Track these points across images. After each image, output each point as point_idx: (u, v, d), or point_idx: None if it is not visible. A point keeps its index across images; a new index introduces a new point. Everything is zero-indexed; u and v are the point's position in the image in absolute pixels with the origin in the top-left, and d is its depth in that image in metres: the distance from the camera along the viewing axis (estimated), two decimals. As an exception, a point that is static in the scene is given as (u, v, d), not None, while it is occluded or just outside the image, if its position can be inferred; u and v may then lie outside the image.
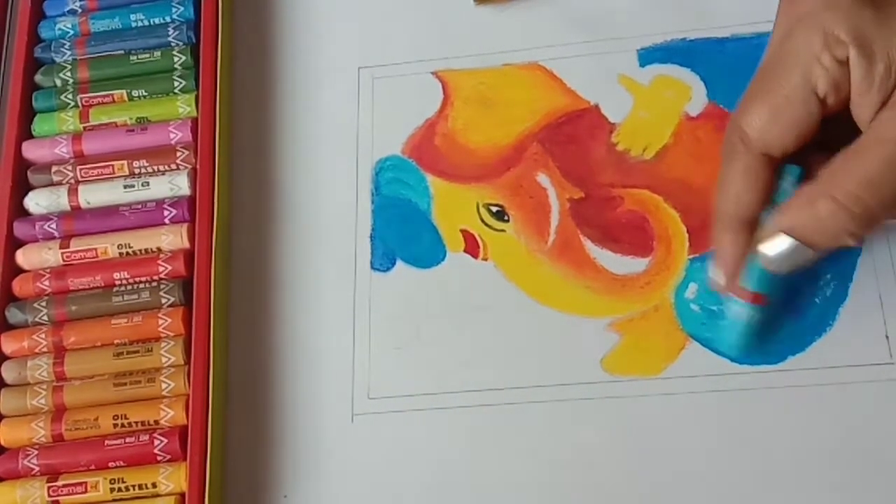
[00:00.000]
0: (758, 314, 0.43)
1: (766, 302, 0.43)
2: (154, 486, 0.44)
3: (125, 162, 0.50)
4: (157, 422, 0.45)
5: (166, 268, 0.48)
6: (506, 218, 0.49)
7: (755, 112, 0.41)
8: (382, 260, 0.49)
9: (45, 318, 0.48)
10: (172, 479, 0.44)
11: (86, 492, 0.44)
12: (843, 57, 0.39)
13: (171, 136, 0.50)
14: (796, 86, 0.40)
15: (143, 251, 0.48)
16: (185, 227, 0.48)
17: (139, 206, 0.49)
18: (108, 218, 0.49)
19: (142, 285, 0.48)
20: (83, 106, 0.52)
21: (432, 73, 0.52)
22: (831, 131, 0.41)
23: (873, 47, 0.39)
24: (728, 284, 0.43)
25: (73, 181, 0.50)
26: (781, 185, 0.42)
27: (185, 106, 0.51)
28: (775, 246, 0.41)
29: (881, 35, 0.39)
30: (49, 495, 0.44)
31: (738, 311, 0.43)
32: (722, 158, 0.43)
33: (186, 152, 0.50)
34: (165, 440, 0.44)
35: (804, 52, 0.40)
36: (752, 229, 0.42)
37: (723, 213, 0.43)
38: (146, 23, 0.53)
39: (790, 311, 0.45)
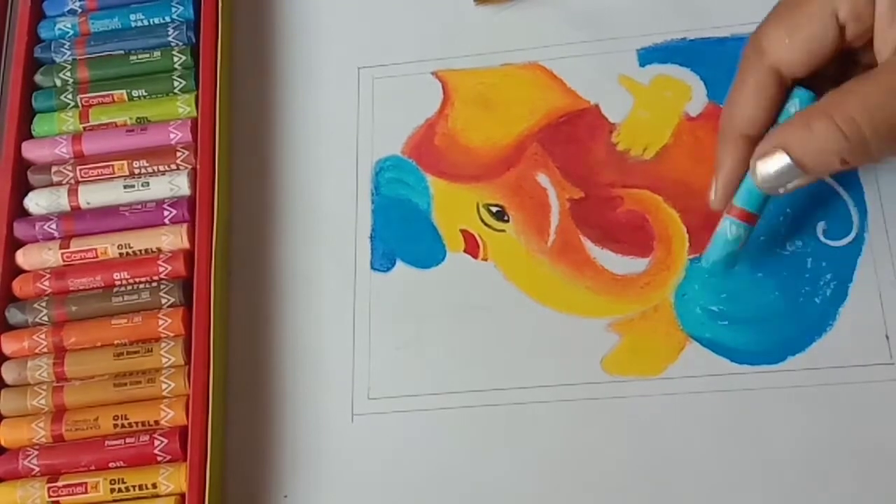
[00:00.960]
0: (743, 232, 0.43)
1: (754, 221, 0.43)
2: (154, 486, 0.44)
3: (125, 162, 0.50)
4: (157, 422, 0.45)
5: (166, 268, 0.48)
6: (506, 218, 0.49)
7: (773, 27, 0.41)
8: (382, 260, 0.49)
9: (46, 318, 0.48)
10: (172, 479, 0.44)
11: (86, 492, 0.44)
12: None
13: (171, 136, 0.50)
14: (819, 8, 0.40)
15: (143, 251, 0.48)
16: (184, 227, 0.48)
17: (139, 207, 0.49)
18: (108, 218, 0.49)
19: (142, 285, 0.48)
20: (83, 106, 0.52)
21: (432, 73, 0.52)
22: (849, 75, 0.41)
23: None
24: (720, 199, 0.43)
25: (73, 181, 0.50)
26: (787, 108, 0.42)
27: (184, 106, 0.51)
28: (768, 163, 0.41)
29: None
30: (49, 496, 0.44)
31: (724, 225, 0.44)
32: (736, 75, 0.43)
33: (186, 152, 0.50)
34: (166, 440, 0.44)
35: None
36: (750, 146, 0.42)
37: (727, 126, 0.43)
38: (146, 23, 0.53)
39: (790, 311, 0.45)
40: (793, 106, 0.42)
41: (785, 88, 0.42)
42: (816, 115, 0.39)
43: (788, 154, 0.40)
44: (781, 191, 0.42)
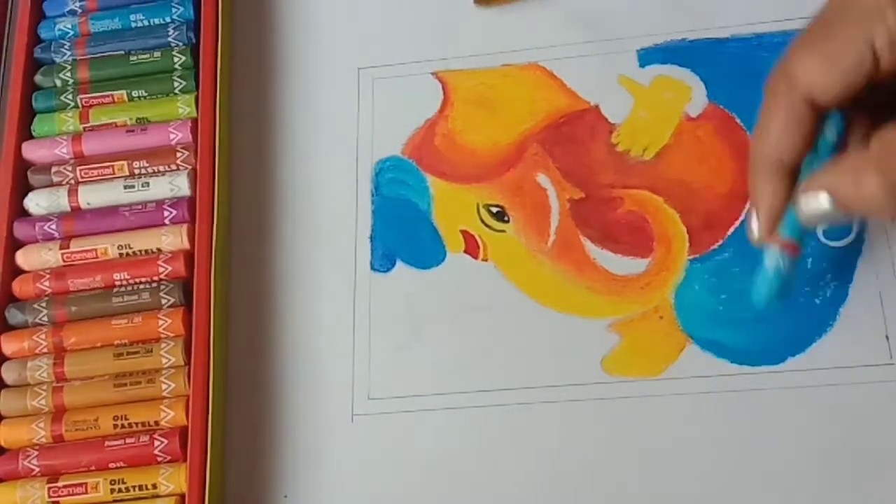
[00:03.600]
0: (790, 263, 0.42)
1: (799, 252, 0.42)
2: (154, 486, 0.44)
3: (125, 162, 0.50)
4: (157, 422, 0.45)
5: (166, 268, 0.48)
6: (506, 218, 0.49)
7: (806, 55, 0.40)
8: (382, 260, 0.49)
9: (45, 318, 0.48)
10: (172, 479, 0.44)
11: (86, 492, 0.44)
12: None
13: (171, 136, 0.50)
14: (854, 36, 0.39)
15: (143, 252, 0.48)
16: (185, 227, 0.48)
17: (139, 207, 0.49)
18: (109, 218, 0.49)
19: (142, 286, 0.48)
20: (83, 106, 0.52)
21: (432, 73, 0.52)
22: (875, 98, 0.40)
23: None
24: (766, 231, 0.42)
25: (73, 182, 0.50)
26: (825, 134, 0.41)
27: (184, 106, 0.51)
28: (814, 203, 0.40)
29: None
30: (49, 496, 0.44)
31: (770, 259, 0.42)
32: (763, 104, 0.42)
33: (186, 153, 0.50)
34: (166, 441, 0.44)
35: (870, 5, 0.39)
36: (791, 177, 0.41)
37: (762, 157, 0.41)
38: (146, 23, 0.53)
39: (790, 311, 0.45)
40: (830, 132, 0.41)
41: (819, 116, 0.41)
42: (867, 173, 0.38)
43: (835, 199, 0.39)
44: (824, 226, 0.41)
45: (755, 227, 0.42)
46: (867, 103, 0.41)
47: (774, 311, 0.45)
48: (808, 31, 0.41)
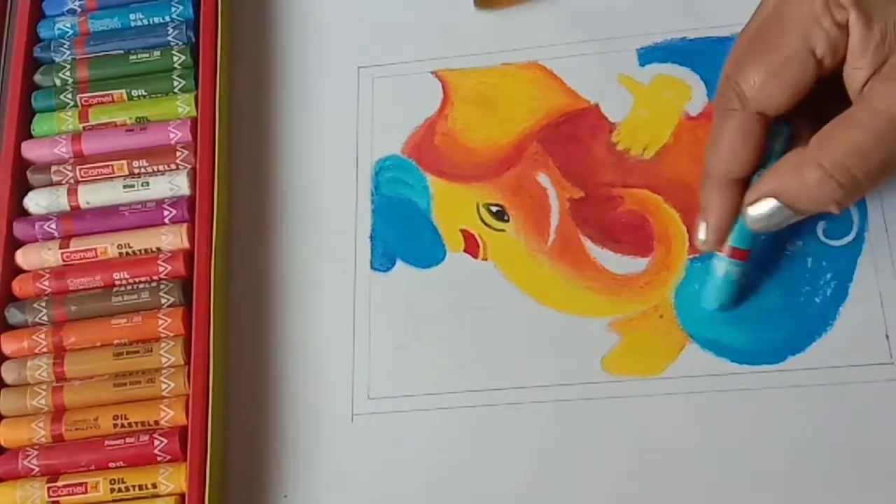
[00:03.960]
0: (740, 270, 0.44)
1: (748, 258, 0.44)
2: (154, 486, 0.44)
3: (125, 162, 0.50)
4: (157, 422, 0.45)
5: (166, 268, 0.48)
6: (506, 218, 0.49)
7: (753, 71, 0.41)
8: (382, 260, 0.49)
9: (45, 318, 0.48)
10: (172, 479, 0.44)
11: (86, 492, 0.44)
12: (843, 20, 0.40)
13: (171, 135, 0.50)
14: (796, 47, 0.41)
15: (142, 251, 0.48)
16: (184, 227, 0.48)
17: (139, 206, 0.49)
18: (108, 218, 0.49)
19: (141, 285, 0.48)
20: (83, 106, 0.52)
21: (432, 72, 0.52)
22: (819, 94, 0.42)
23: (872, 13, 0.39)
24: (712, 242, 0.44)
25: (72, 181, 0.50)
26: (772, 146, 0.43)
27: (184, 106, 0.51)
28: (761, 209, 0.42)
29: (881, 3, 0.40)
30: (49, 496, 0.44)
31: (720, 267, 0.44)
32: (714, 120, 0.43)
33: (186, 152, 0.50)
34: (165, 440, 0.44)
35: (805, 13, 0.40)
36: (741, 188, 0.43)
37: (713, 171, 0.43)
38: (145, 22, 0.53)
39: (790, 310, 0.45)
40: (777, 143, 0.43)
41: (768, 127, 0.42)
42: (807, 165, 0.40)
43: (781, 202, 0.41)
44: (774, 229, 0.43)
45: (702, 235, 0.44)
46: (814, 101, 0.42)
47: (774, 309, 0.45)
48: (749, 44, 0.42)
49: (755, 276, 0.46)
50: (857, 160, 0.39)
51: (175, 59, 0.52)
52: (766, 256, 0.46)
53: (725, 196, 0.43)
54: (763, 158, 0.43)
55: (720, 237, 0.44)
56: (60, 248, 0.49)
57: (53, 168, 0.50)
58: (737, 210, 0.43)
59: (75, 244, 0.49)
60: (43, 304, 0.48)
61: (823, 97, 0.42)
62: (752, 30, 0.43)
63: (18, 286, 0.48)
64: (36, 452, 0.45)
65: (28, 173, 0.50)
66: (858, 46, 0.40)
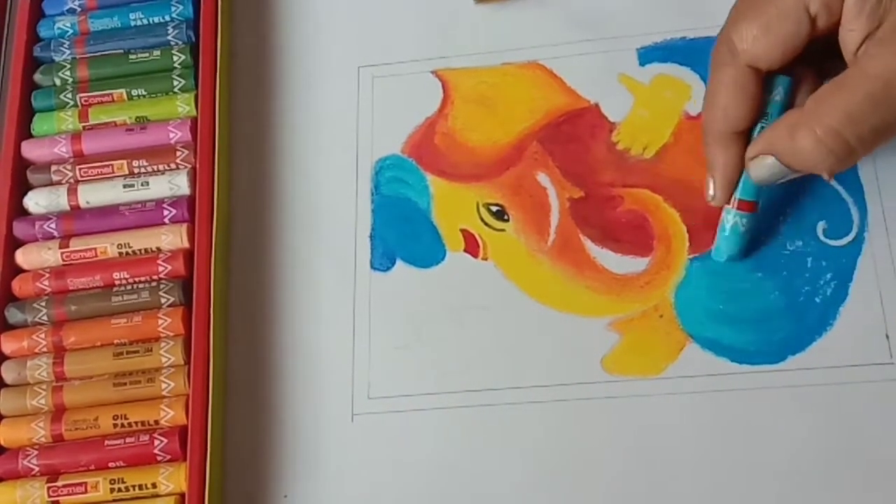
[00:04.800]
0: (748, 221, 0.44)
1: (755, 209, 0.44)
2: (154, 486, 0.44)
3: (125, 161, 0.50)
4: (157, 422, 0.45)
5: (166, 268, 0.48)
6: (506, 217, 0.49)
7: (745, 25, 0.42)
8: (382, 260, 0.49)
9: (45, 318, 0.48)
10: (172, 479, 0.44)
11: (86, 492, 0.44)
12: None
13: (171, 135, 0.50)
14: (790, 3, 0.41)
15: (142, 251, 0.48)
16: (184, 226, 0.48)
17: (139, 206, 0.49)
18: (108, 217, 0.49)
19: (141, 285, 0.48)
20: (82, 105, 0.52)
21: (432, 72, 0.52)
22: (821, 51, 0.42)
23: None
24: (721, 197, 0.44)
25: (72, 181, 0.50)
26: (771, 97, 0.43)
27: (184, 105, 0.51)
28: (761, 166, 0.42)
29: None
30: (49, 495, 0.44)
31: (728, 219, 0.45)
32: (710, 75, 0.43)
33: (186, 152, 0.50)
34: (165, 440, 0.44)
35: None
36: (742, 142, 0.43)
37: (712, 126, 0.43)
38: (145, 22, 0.53)
39: (790, 310, 0.45)
40: (777, 94, 0.43)
41: (763, 80, 0.43)
42: (801, 129, 0.40)
43: (778, 160, 0.41)
44: (778, 183, 0.43)
45: (711, 191, 0.44)
46: (812, 58, 0.42)
47: (774, 309, 0.45)
48: (745, 1, 0.42)
49: (755, 277, 0.46)
50: (851, 126, 0.39)
51: (175, 58, 0.52)
52: (766, 256, 0.46)
53: (728, 150, 0.43)
54: (762, 110, 0.43)
55: (728, 191, 0.44)
56: (60, 247, 0.49)
57: (53, 168, 0.50)
58: (741, 163, 0.43)
59: (75, 244, 0.49)
60: (43, 303, 0.48)
61: (826, 53, 0.41)
62: None
63: (18, 286, 0.48)
64: (36, 452, 0.45)
65: (28, 173, 0.50)
66: (853, 8, 0.40)
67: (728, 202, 0.44)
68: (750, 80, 0.42)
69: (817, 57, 0.42)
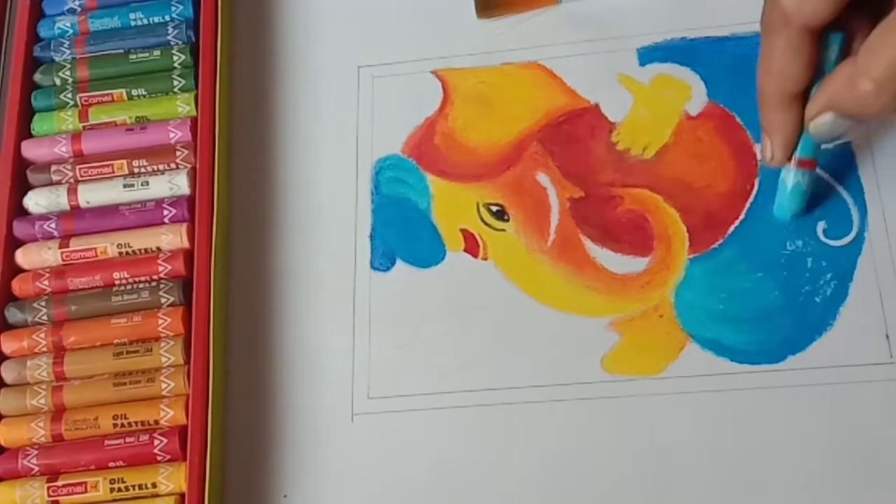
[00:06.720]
0: (809, 178, 0.44)
1: (815, 166, 0.44)
2: (154, 486, 0.44)
3: (125, 161, 0.50)
4: (156, 422, 0.45)
5: (166, 267, 0.48)
6: (506, 217, 0.49)
7: None
8: (382, 259, 0.49)
9: (45, 317, 0.47)
10: (172, 479, 0.44)
11: (86, 492, 0.44)
12: None
13: (171, 135, 0.50)
14: None
15: (142, 251, 0.48)
16: (184, 226, 0.48)
17: (139, 206, 0.49)
18: (108, 217, 0.49)
19: (141, 285, 0.48)
20: (82, 105, 0.52)
21: (432, 71, 0.52)
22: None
23: None
24: (781, 158, 0.44)
25: (72, 180, 0.50)
26: (827, 56, 0.42)
27: (184, 105, 0.51)
28: (822, 121, 0.42)
29: None
30: (49, 495, 0.44)
31: (790, 178, 0.44)
32: (763, 39, 0.42)
33: (186, 152, 0.50)
34: (165, 440, 0.44)
35: None
36: (800, 103, 0.43)
37: (769, 91, 0.43)
38: (145, 22, 0.53)
39: (790, 310, 0.45)
40: (832, 52, 0.42)
41: (818, 38, 0.41)
42: (860, 78, 0.39)
43: (841, 114, 0.41)
44: (841, 137, 0.43)
45: (769, 153, 0.44)
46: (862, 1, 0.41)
47: (774, 309, 0.45)
48: None
49: (755, 277, 0.46)
50: None
51: (175, 58, 0.52)
52: (766, 256, 0.46)
53: (787, 113, 0.43)
54: (819, 69, 0.42)
55: (788, 152, 0.44)
56: (60, 247, 0.49)
57: (53, 167, 0.50)
58: (800, 124, 0.43)
59: (75, 244, 0.49)
60: (43, 303, 0.48)
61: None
62: None
63: (18, 286, 0.48)
64: (36, 452, 0.45)
65: (28, 173, 0.50)
66: None
67: (788, 162, 0.44)
68: (806, 42, 0.41)
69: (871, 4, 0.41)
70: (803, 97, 0.42)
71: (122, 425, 0.45)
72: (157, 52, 0.52)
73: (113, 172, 0.50)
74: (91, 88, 0.52)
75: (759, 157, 0.47)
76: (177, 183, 0.49)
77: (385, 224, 0.50)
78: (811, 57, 0.41)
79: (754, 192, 0.47)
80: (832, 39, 0.42)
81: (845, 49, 0.42)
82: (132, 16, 0.53)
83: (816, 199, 0.46)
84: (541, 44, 0.52)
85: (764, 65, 0.43)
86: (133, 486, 0.44)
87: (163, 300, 0.47)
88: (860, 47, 0.40)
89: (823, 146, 0.44)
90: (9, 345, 0.47)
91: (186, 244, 0.48)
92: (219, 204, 0.49)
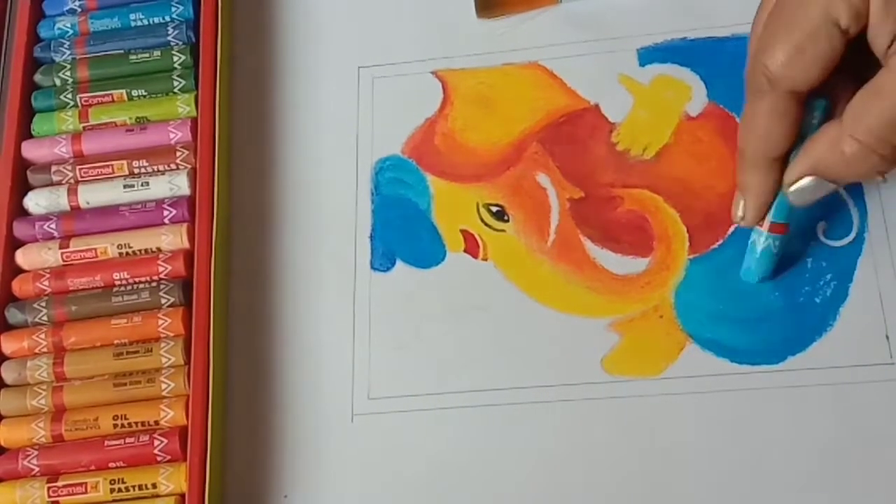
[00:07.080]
0: (780, 242, 0.44)
1: (787, 230, 0.44)
2: (154, 486, 0.44)
3: (125, 162, 0.50)
4: (157, 422, 0.45)
5: (166, 268, 0.48)
6: (506, 218, 0.49)
7: (778, 50, 0.40)
8: (382, 260, 0.49)
9: (45, 318, 0.47)
10: (172, 479, 0.44)
11: (86, 492, 0.44)
12: None
13: (171, 135, 0.50)
14: (819, 21, 0.40)
15: (142, 251, 0.48)
16: (184, 227, 0.48)
17: (139, 206, 0.49)
18: (108, 218, 0.49)
19: (141, 285, 0.48)
20: (83, 105, 0.52)
21: (432, 72, 0.52)
22: (852, 58, 0.41)
23: None
24: (752, 219, 0.44)
25: (72, 181, 0.50)
26: (809, 121, 0.42)
27: (184, 106, 0.51)
28: (802, 185, 0.42)
29: None
30: (49, 496, 0.44)
31: (760, 241, 0.44)
32: (746, 97, 0.42)
33: (186, 152, 0.50)
34: (165, 440, 0.44)
35: None
36: (780, 166, 0.42)
37: (750, 152, 0.43)
38: (145, 22, 0.53)
39: (790, 310, 0.45)
40: (815, 118, 0.42)
41: (803, 103, 0.42)
42: (845, 139, 0.39)
43: (823, 177, 0.41)
44: (817, 202, 0.43)
45: (741, 212, 0.44)
46: (845, 64, 0.41)
47: (774, 309, 0.45)
48: (773, 22, 0.41)
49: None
50: (892, 129, 0.38)
51: (175, 59, 0.52)
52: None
53: (765, 175, 0.43)
54: (801, 134, 0.42)
55: (760, 215, 0.44)
56: (60, 248, 0.49)
57: (53, 168, 0.50)
58: (776, 188, 0.43)
59: (75, 244, 0.49)
60: (43, 304, 0.48)
61: (857, 59, 0.41)
62: (774, 6, 0.42)
63: (18, 286, 0.48)
64: (36, 452, 0.45)
65: (28, 173, 0.50)
66: (880, 11, 0.39)
67: (758, 224, 0.44)
68: (791, 106, 0.41)
69: (852, 62, 0.41)
70: (783, 161, 0.42)
71: (123, 426, 0.45)
72: (157, 53, 0.52)
73: (113, 173, 0.50)
74: (91, 89, 0.52)
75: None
76: (177, 183, 0.49)
77: (385, 224, 0.50)
78: (795, 121, 0.42)
79: (754, 192, 0.47)
80: (815, 106, 0.42)
81: (828, 114, 0.42)
82: (132, 16, 0.53)
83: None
84: (541, 44, 0.52)
85: (746, 126, 0.43)
86: (133, 487, 0.44)
87: (163, 301, 0.47)
88: (844, 110, 0.40)
89: (795, 211, 0.44)
90: (9, 345, 0.47)
91: (186, 244, 0.48)
92: (219, 204, 0.49)
